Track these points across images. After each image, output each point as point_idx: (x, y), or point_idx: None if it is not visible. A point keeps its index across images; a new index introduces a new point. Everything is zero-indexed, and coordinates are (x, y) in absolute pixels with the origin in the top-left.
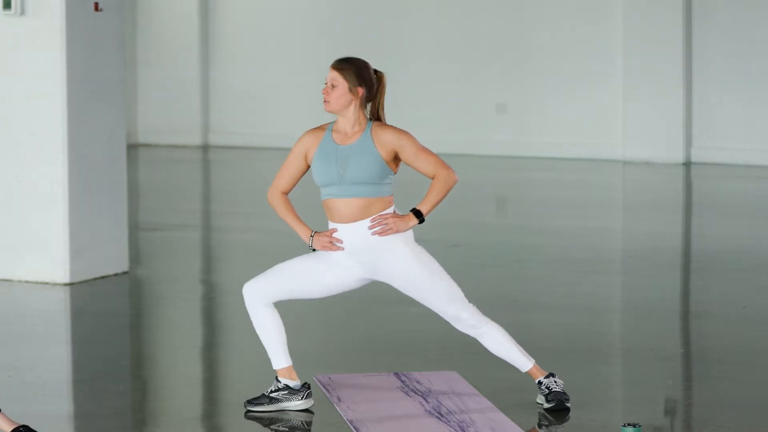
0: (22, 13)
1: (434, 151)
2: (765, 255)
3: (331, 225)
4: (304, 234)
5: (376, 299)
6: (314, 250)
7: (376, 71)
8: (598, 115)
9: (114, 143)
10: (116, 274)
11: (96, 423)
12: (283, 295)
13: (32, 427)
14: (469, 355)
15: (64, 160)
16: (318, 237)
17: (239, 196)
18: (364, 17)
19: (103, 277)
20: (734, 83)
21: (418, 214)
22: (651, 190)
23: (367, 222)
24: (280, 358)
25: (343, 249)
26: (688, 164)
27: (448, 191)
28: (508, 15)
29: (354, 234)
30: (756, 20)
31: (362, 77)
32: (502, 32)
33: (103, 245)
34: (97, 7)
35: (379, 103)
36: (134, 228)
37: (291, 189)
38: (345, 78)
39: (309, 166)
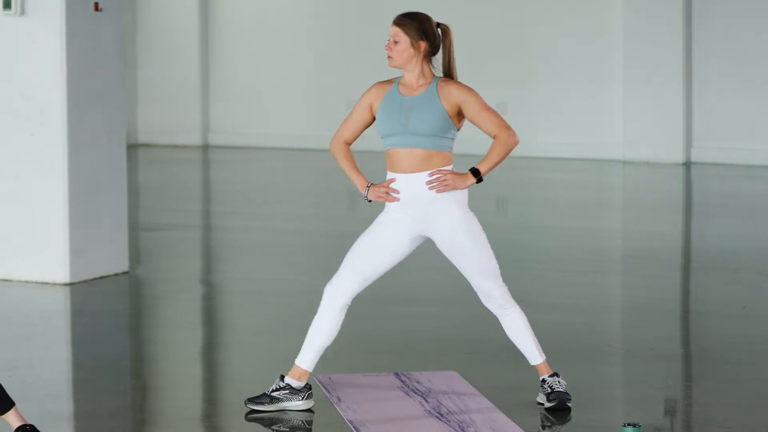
0: (22, 13)
1: None
2: (765, 255)
3: (390, 175)
4: (360, 184)
5: (376, 299)
6: (369, 201)
7: (439, 24)
8: (598, 115)
9: (114, 143)
10: (116, 274)
11: (96, 423)
12: (365, 286)
13: (37, 427)
14: (469, 355)
15: (64, 160)
16: (374, 188)
17: (239, 196)
18: (364, 17)
19: (103, 277)
20: (734, 83)
21: (476, 173)
22: (651, 190)
23: (425, 174)
24: (308, 360)
25: (398, 200)
26: (688, 164)
27: (507, 153)
28: (509, 15)
29: (412, 184)
30: (756, 20)
31: (424, 31)
32: (502, 32)
33: (103, 245)
34: (97, 7)
35: (449, 57)
36: (134, 228)
37: (354, 139)
38: (406, 33)
39: (374, 119)
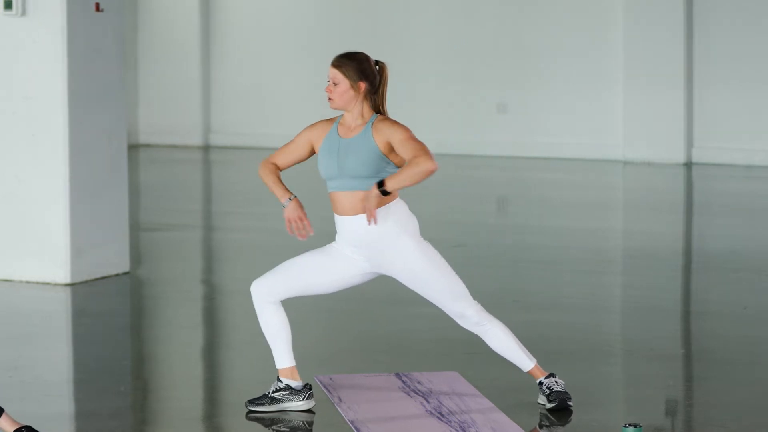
0: (23, 13)
1: (434, 151)
2: (766, 255)
3: (336, 217)
4: (281, 195)
5: (377, 299)
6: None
7: (377, 62)
8: (598, 115)
9: (115, 143)
10: (117, 275)
11: (97, 423)
12: (292, 293)
13: (34, 427)
14: (470, 356)
15: (65, 161)
16: (294, 207)
17: (240, 197)
18: (365, 17)
19: (103, 278)
20: (735, 83)
21: (380, 185)
22: (652, 191)
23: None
24: (283, 358)
25: (304, 238)
26: (688, 164)
27: (420, 175)
28: (509, 15)
29: (356, 226)
30: (757, 20)
31: (363, 71)
32: (503, 32)
33: (104, 245)
34: (98, 8)
35: (381, 95)
36: (135, 228)
37: (284, 168)
38: (345, 75)
39: (310, 155)
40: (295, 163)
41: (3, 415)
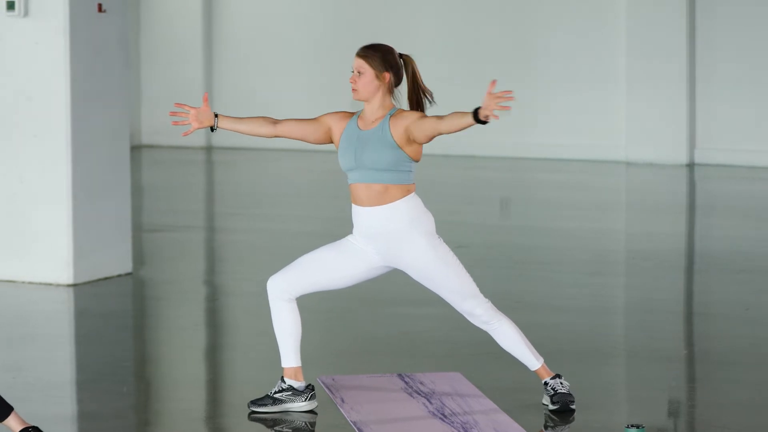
0: (26, 14)
1: (435, 151)
2: None
3: (354, 208)
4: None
5: (379, 300)
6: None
7: (401, 55)
8: (601, 116)
9: (117, 144)
10: (120, 275)
11: (99, 424)
12: (308, 289)
13: (40, 428)
14: (472, 357)
15: (67, 161)
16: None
17: (243, 198)
18: (366, 18)
19: (106, 278)
20: (738, 84)
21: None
22: (654, 192)
23: (383, 208)
24: (290, 357)
25: (190, 127)
26: (691, 165)
27: (463, 123)
28: (511, 15)
29: (372, 219)
30: (760, 21)
31: (388, 62)
32: (504, 33)
33: (107, 246)
34: (100, 8)
35: (418, 87)
36: (138, 229)
37: (284, 134)
38: (370, 65)
39: (319, 138)
40: (299, 138)
41: (12, 415)
